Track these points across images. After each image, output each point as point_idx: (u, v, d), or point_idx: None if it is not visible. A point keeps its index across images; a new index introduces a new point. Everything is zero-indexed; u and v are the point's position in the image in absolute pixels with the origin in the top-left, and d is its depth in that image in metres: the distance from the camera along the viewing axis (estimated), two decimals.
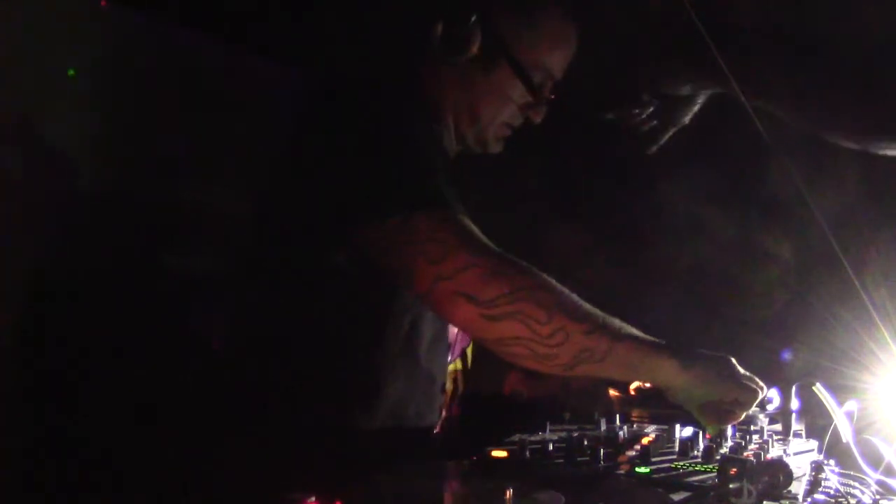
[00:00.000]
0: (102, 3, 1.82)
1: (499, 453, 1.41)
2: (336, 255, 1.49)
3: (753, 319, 2.00)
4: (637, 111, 1.89)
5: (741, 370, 1.44)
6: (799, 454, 1.48)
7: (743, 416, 1.46)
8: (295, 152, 1.57)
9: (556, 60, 1.70)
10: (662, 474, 1.33)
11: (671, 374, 1.40)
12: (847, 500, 1.28)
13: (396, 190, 1.42)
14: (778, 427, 1.63)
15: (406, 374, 1.57)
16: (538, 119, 1.74)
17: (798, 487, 1.22)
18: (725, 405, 1.42)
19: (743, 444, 1.47)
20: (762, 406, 1.62)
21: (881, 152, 1.68)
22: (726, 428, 1.51)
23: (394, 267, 1.43)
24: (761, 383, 1.44)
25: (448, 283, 1.36)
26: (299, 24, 2.00)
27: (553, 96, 1.72)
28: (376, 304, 1.54)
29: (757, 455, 1.35)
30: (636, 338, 1.40)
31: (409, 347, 1.58)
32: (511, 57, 1.64)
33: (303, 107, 1.61)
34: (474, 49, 1.60)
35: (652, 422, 1.73)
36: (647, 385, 1.86)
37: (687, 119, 1.91)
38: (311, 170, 1.51)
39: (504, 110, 1.70)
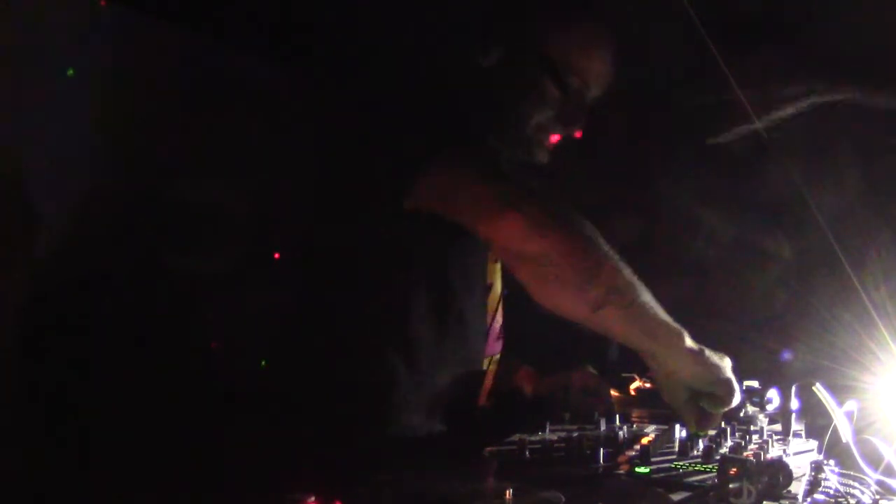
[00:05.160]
0: (102, 2, 1.82)
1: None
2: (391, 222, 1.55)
3: (753, 319, 2.00)
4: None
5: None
6: (799, 454, 1.48)
7: (720, 422, 1.50)
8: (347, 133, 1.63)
9: (591, 66, 1.71)
10: (662, 474, 1.33)
11: (681, 352, 1.43)
12: (847, 500, 1.27)
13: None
14: (778, 427, 1.63)
15: (436, 359, 1.61)
16: (575, 128, 1.75)
17: (798, 487, 1.22)
18: (710, 401, 1.44)
19: (743, 444, 1.47)
20: (762, 406, 1.62)
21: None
22: (706, 430, 1.52)
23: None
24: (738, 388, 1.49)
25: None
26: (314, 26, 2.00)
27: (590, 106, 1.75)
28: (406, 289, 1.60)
29: (757, 455, 1.35)
30: (657, 306, 1.44)
31: (441, 333, 1.63)
32: (542, 57, 1.66)
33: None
34: (503, 49, 1.63)
35: (652, 422, 1.73)
36: (648, 385, 1.86)
37: None
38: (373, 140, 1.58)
39: (536, 112, 1.70)
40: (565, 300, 1.43)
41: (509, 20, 1.69)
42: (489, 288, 1.81)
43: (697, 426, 1.48)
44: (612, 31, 1.74)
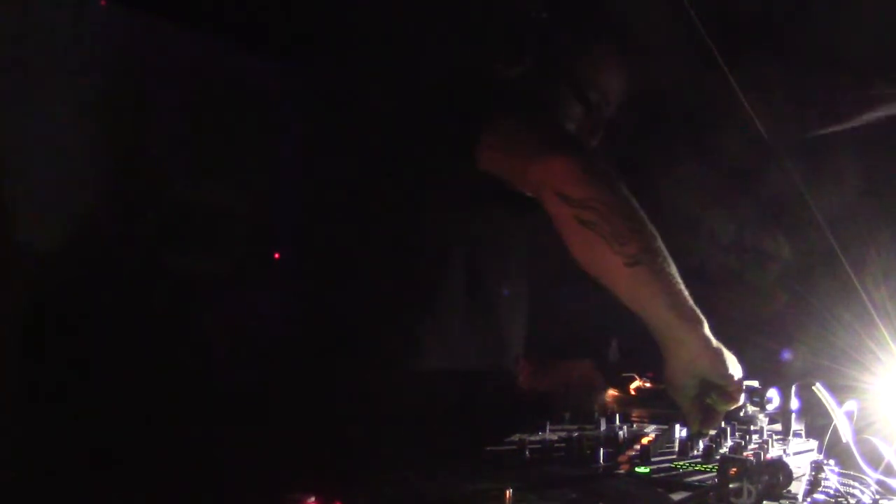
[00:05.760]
0: (102, 2, 1.82)
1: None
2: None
3: (753, 319, 2.00)
4: None
5: None
6: (799, 454, 1.48)
7: (721, 422, 1.50)
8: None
9: (611, 82, 1.73)
10: (662, 474, 1.33)
11: (702, 339, 1.44)
12: (847, 500, 1.27)
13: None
14: (778, 427, 1.63)
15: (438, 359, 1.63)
16: (593, 139, 1.76)
17: (798, 487, 1.22)
18: (718, 398, 1.45)
19: (743, 444, 1.47)
20: (762, 406, 1.62)
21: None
22: (708, 430, 1.52)
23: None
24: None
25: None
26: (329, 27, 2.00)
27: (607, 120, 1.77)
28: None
29: (757, 455, 1.35)
30: (684, 288, 1.47)
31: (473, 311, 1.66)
32: (564, 72, 1.67)
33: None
34: (529, 62, 1.65)
35: (652, 422, 1.73)
36: (648, 385, 1.86)
37: None
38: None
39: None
40: (602, 251, 1.44)
41: (536, 37, 1.70)
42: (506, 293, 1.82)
43: (701, 425, 1.49)
44: (629, 47, 1.76)
